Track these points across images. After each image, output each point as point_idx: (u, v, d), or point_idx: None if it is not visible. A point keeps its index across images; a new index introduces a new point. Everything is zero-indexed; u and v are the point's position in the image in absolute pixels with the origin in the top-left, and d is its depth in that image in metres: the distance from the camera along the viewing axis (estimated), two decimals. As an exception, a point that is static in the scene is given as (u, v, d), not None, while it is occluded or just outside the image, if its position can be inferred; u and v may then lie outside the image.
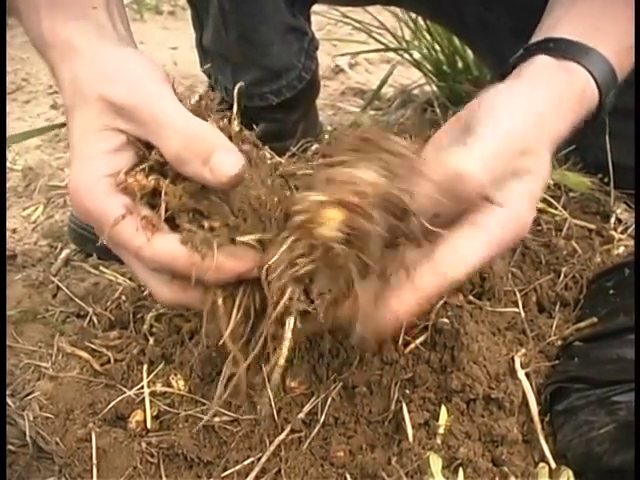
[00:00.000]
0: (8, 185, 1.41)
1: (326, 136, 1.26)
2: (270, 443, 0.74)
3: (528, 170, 0.64)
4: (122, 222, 0.61)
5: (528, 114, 0.65)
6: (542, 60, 0.71)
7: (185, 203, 0.63)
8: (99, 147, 0.64)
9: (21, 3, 0.73)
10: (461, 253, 0.61)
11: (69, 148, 0.67)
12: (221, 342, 0.65)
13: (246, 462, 0.73)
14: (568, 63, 0.71)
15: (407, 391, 0.77)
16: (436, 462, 0.65)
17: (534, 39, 0.75)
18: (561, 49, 0.72)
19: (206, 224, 0.62)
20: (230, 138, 0.65)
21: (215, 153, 0.60)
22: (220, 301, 0.65)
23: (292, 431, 0.75)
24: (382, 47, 1.66)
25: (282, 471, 0.73)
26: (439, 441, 0.72)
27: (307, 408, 0.77)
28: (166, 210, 0.63)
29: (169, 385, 0.81)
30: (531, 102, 0.67)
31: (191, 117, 0.63)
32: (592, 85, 0.71)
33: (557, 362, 0.82)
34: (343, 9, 1.73)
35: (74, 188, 0.64)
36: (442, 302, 0.85)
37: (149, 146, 0.64)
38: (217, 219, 0.63)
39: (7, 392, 0.82)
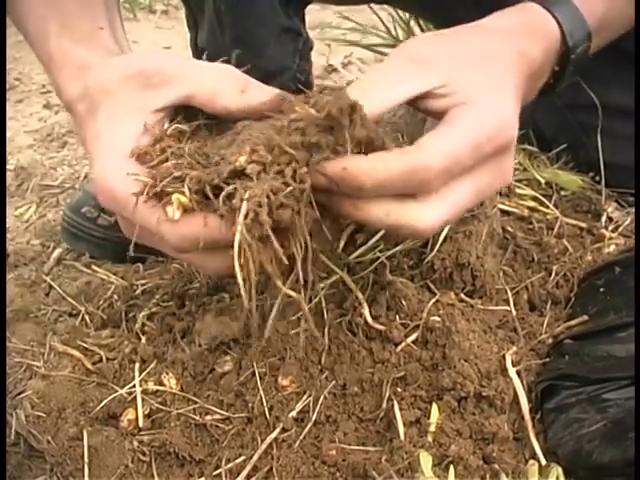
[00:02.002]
0: (0, 184, 1.41)
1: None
2: (262, 441, 0.74)
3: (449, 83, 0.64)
4: (140, 207, 0.60)
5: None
6: (497, 12, 0.73)
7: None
8: (127, 130, 0.64)
9: (30, 24, 0.75)
10: (429, 142, 0.60)
11: (89, 149, 0.67)
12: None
13: (238, 460, 0.73)
14: (521, 5, 0.73)
15: (398, 389, 0.77)
16: (426, 460, 0.66)
17: None
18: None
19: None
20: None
21: (250, 84, 0.65)
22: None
23: (284, 429, 0.75)
24: (375, 45, 1.67)
25: (274, 469, 0.73)
26: (430, 439, 0.72)
27: (299, 406, 0.77)
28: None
29: (161, 384, 0.80)
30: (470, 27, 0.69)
31: (216, 64, 0.67)
32: (545, 16, 0.73)
33: (548, 360, 0.82)
34: (337, 8, 1.73)
35: (101, 175, 0.63)
36: (434, 300, 0.85)
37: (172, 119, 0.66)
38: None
39: (-1, 391, 0.82)
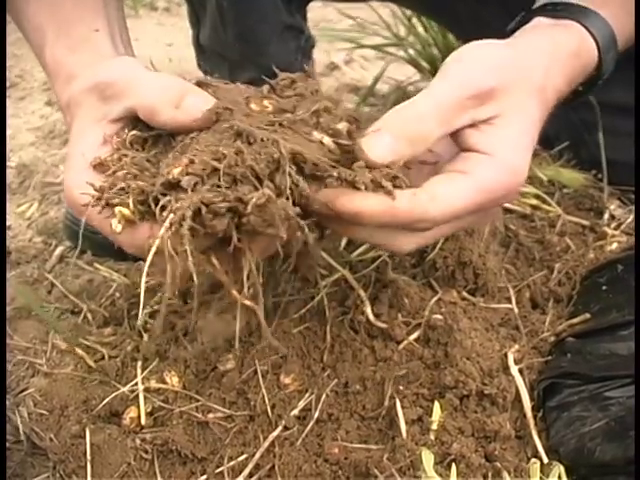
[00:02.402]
0: (2, 182, 1.41)
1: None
2: (264, 439, 0.75)
3: (496, 114, 0.63)
4: (94, 217, 0.62)
5: (495, 58, 0.65)
6: (538, 20, 0.72)
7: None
8: (90, 139, 0.66)
9: (30, 32, 0.77)
10: (442, 196, 0.60)
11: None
12: None
13: (240, 458, 0.73)
14: (565, 21, 0.71)
15: (400, 387, 0.77)
16: (428, 458, 0.66)
17: (535, 5, 0.75)
18: (559, 10, 0.72)
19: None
20: None
21: (186, 97, 0.63)
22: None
23: (286, 428, 0.76)
24: (377, 43, 1.67)
25: (276, 467, 0.73)
26: (432, 437, 0.73)
27: (301, 404, 0.77)
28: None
29: (163, 382, 0.80)
30: (504, 48, 0.66)
31: (162, 75, 0.67)
32: (590, 41, 0.71)
33: (550, 358, 0.82)
34: (339, 5, 1.73)
35: (66, 184, 0.66)
36: (436, 298, 0.85)
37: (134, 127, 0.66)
38: None
39: (1, 389, 0.82)
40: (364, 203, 0.57)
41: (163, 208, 0.55)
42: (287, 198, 0.55)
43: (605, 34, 0.72)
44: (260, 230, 0.54)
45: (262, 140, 0.56)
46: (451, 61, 0.65)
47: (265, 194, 0.53)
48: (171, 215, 0.53)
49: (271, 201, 0.53)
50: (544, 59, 0.67)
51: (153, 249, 0.54)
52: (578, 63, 0.70)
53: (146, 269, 0.54)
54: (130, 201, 0.58)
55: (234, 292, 0.58)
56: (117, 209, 0.59)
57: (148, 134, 0.66)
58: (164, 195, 0.56)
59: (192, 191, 0.54)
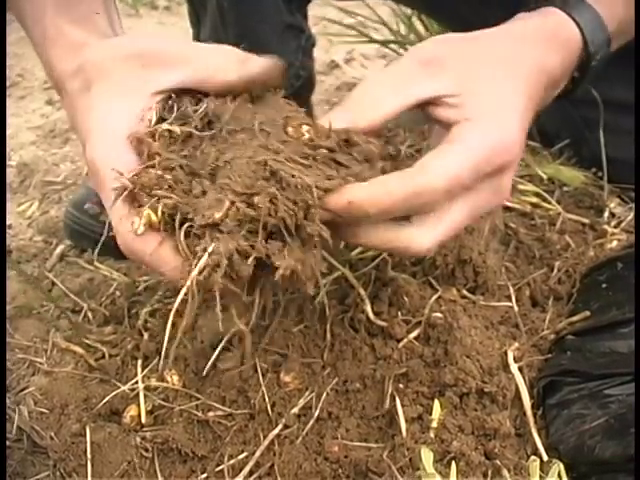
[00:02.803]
0: (2, 181, 1.41)
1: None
2: (264, 438, 0.75)
3: (459, 86, 0.63)
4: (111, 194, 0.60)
5: (449, 36, 0.67)
6: (519, 15, 0.72)
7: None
8: (124, 110, 0.63)
9: (28, 7, 0.73)
10: (432, 164, 0.60)
11: (80, 126, 0.65)
12: None
13: (240, 457, 0.74)
14: (544, 9, 0.72)
15: (400, 385, 0.77)
16: (427, 456, 0.66)
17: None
18: (541, 3, 0.72)
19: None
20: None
21: (251, 56, 0.66)
22: None
23: (286, 426, 0.76)
24: (378, 41, 1.66)
25: (276, 466, 0.73)
26: (432, 435, 0.72)
27: (301, 403, 0.77)
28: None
29: (163, 380, 0.81)
30: (464, 34, 0.68)
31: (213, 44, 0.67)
32: (568, 23, 0.71)
33: (550, 356, 0.82)
34: (339, 3, 1.73)
35: (92, 155, 0.62)
36: (436, 297, 0.85)
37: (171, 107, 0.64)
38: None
39: (2, 387, 0.82)
40: (354, 192, 0.58)
41: (192, 241, 0.56)
42: (315, 246, 0.58)
43: (589, 19, 0.72)
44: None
45: (296, 187, 0.56)
46: None
47: (290, 266, 0.56)
48: (205, 256, 0.54)
49: (297, 270, 0.56)
50: (509, 40, 0.68)
51: (183, 290, 0.54)
52: (556, 41, 0.70)
53: (176, 306, 0.55)
54: (159, 210, 0.57)
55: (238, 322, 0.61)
56: (146, 212, 0.57)
57: (181, 131, 0.63)
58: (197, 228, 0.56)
59: (228, 234, 0.55)
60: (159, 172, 0.59)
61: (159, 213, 0.57)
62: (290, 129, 0.62)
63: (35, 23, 0.72)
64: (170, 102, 0.64)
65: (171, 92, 0.65)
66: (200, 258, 0.54)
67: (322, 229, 0.57)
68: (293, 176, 0.56)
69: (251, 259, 0.55)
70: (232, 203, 0.55)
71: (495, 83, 0.65)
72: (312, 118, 0.64)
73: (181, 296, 0.54)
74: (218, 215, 0.55)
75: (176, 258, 0.57)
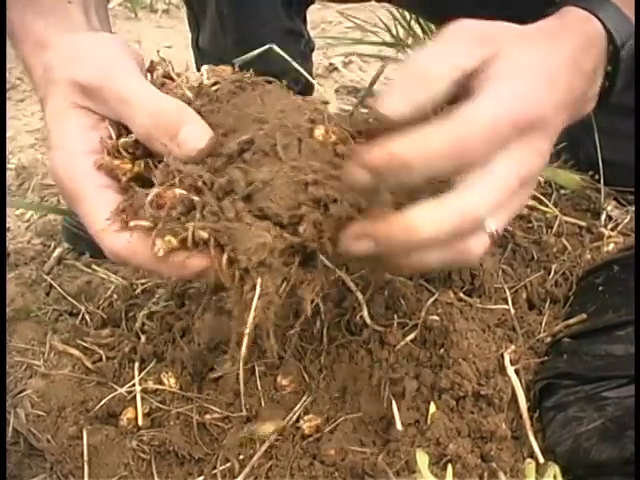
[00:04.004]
0: (1, 184, 1.41)
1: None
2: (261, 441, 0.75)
3: (494, 53, 0.61)
4: (91, 203, 0.60)
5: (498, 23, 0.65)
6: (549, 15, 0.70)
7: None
8: (73, 123, 0.63)
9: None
10: (471, 112, 0.56)
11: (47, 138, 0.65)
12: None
13: (237, 459, 0.74)
14: (563, 11, 0.70)
15: (397, 389, 0.77)
16: (422, 459, 0.66)
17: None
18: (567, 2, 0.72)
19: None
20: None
21: (182, 127, 0.59)
22: None
23: (282, 429, 0.76)
24: (376, 45, 1.67)
25: (273, 468, 0.73)
26: (429, 438, 0.73)
27: (298, 406, 0.77)
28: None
29: (160, 383, 0.81)
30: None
31: (157, 93, 0.62)
32: (592, 21, 0.69)
33: (546, 358, 0.83)
34: (338, 7, 1.73)
35: (53, 166, 0.63)
36: (432, 299, 0.85)
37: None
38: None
39: (-1, 390, 0.83)
40: (395, 145, 0.54)
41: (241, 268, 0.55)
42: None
43: (609, 10, 0.71)
44: None
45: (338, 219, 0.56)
46: None
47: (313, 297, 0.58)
48: (256, 299, 0.55)
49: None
50: (545, 31, 0.66)
51: (249, 328, 0.56)
52: (586, 39, 0.68)
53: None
54: (189, 238, 0.55)
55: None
56: (167, 238, 0.56)
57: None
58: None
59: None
60: (183, 192, 0.56)
61: (182, 237, 0.55)
62: (317, 132, 0.59)
63: (9, 22, 0.71)
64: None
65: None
66: (252, 300, 0.55)
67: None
68: (335, 201, 0.55)
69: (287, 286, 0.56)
70: (275, 237, 0.55)
71: (534, 56, 0.62)
72: (326, 110, 0.62)
73: (249, 330, 0.56)
74: (264, 255, 0.54)
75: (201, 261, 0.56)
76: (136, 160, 0.62)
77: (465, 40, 0.61)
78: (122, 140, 0.62)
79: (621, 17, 0.72)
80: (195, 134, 0.59)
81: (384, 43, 1.67)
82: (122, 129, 0.63)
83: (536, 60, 0.63)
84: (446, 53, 0.60)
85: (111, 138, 0.63)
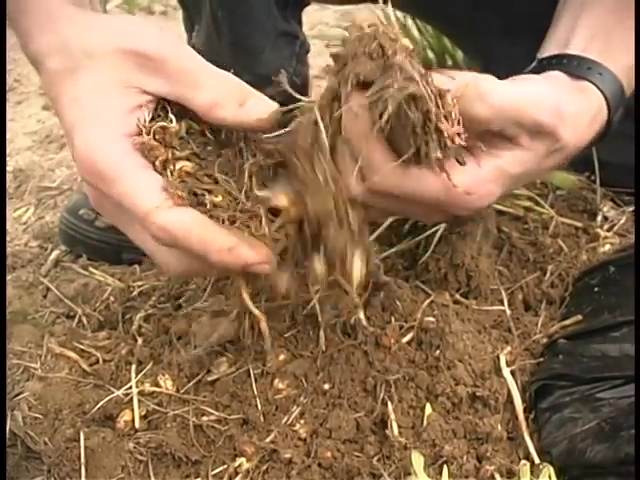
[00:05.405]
0: (-2, 186, 1.41)
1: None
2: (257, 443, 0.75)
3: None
4: (136, 182, 0.59)
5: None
6: (557, 75, 0.72)
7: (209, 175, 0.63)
8: (117, 103, 0.61)
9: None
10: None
11: (66, 114, 0.62)
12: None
13: (234, 461, 0.74)
14: (583, 83, 0.71)
15: (393, 390, 0.77)
16: (418, 460, 0.66)
17: (547, 52, 0.76)
18: (575, 67, 0.72)
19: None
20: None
21: (251, 97, 0.62)
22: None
23: (278, 432, 0.76)
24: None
25: (269, 470, 0.73)
26: (424, 439, 0.73)
27: (294, 408, 0.77)
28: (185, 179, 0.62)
29: (157, 385, 0.81)
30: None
31: (220, 70, 0.64)
32: (604, 106, 0.72)
33: (542, 360, 0.83)
34: (335, 7, 1.73)
35: (86, 145, 0.60)
36: (428, 301, 0.85)
37: (164, 107, 0.64)
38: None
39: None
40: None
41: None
42: None
43: (616, 93, 0.72)
44: None
45: None
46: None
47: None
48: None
49: None
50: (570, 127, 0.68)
51: None
52: (593, 129, 0.72)
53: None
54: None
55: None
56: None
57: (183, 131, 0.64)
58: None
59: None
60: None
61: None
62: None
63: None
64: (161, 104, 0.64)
65: (159, 100, 0.64)
66: None
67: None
68: None
69: None
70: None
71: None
72: None
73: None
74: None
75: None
76: (166, 146, 0.63)
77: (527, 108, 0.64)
78: (159, 124, 0.62)
79: (620, 98, 0.73)
80: (263, 103, 0.63)
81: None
82: (161, 112, 0.64)
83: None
84: (502, 106, 0.63)
85: (146, 122, 0.63)
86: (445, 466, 0.69)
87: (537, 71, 0.73)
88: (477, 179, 0.63)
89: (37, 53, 0.64)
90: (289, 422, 0.76)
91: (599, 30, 0.75)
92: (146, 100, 0.63)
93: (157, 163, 0.62)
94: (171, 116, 0.63)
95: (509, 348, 0.83)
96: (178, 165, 0.62)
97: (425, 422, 0.74)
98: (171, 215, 0.58)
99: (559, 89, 0.69)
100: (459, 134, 0.56)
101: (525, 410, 0.77)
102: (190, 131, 0.65)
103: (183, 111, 0.64)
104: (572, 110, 0.67)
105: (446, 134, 0.56)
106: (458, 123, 0.57)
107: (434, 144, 0.56)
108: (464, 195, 0.62)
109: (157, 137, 0.62)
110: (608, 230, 1.05)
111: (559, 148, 0.68)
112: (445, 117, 0.56)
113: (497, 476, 0.70)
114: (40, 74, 0.65)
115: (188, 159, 0.63)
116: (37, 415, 0.80)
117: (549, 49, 0.76)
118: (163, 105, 0.64)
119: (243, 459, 0.72)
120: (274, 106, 0.62)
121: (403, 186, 0.62)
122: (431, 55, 1.57)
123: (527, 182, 0.71)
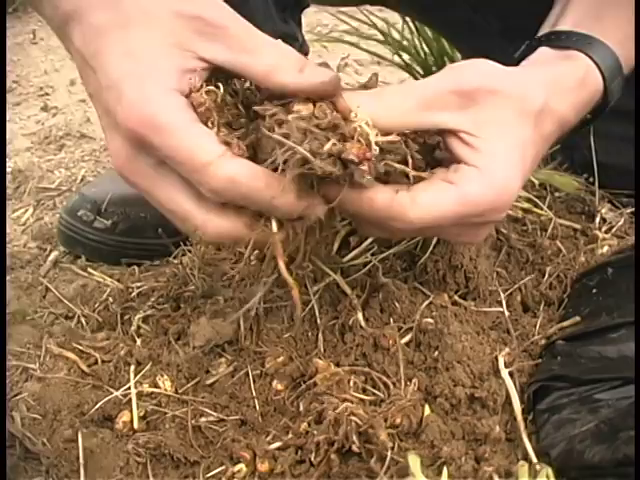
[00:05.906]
0: (-3, 187, 1.41)
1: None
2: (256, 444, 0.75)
3: (481, 124, 0.66)
4: (195, 134, 0.60)
5: (490, 69, 0.69)
6: (543, 51, 0.72)
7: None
8: (175, 62, 0.61)
9: None
10: (423, 202, 0.63)
11: (114, 66, 0.61)
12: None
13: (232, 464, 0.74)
14: (569, 51, 0.72)
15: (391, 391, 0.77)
16: (414, 461, 0.66)
17: (539, 33, 0.76)
18: (563, 40, 0.73)
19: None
20: None
21: (308, 64, 0.64)
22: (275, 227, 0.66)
23: (277, 434, 0.76)
24: (372, 47, 1.67)
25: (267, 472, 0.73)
26: (423, 440, 0.73)
27: (292, 409, 0.78)
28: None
29: (156, 386, 0.81)
30: (504, 68, 0.69)
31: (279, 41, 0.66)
32: (595, 71, 0.72)
33: (540, 361, 0.83)
34: (333, 9, 1.74)
35: (141, 96, 0.60)
36: (427, 302, 0.86)
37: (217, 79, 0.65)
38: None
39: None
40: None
41: None
42: None
43: (610, 63, 0.73)
44: None
45: None
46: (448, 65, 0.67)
47: None
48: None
49: None
50: (543, 90, 0.69)
51: None
52: (584, 93, 0.72)
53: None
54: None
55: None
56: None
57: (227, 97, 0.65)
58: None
59: None
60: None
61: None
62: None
63: None
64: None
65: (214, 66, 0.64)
66: None
67: None
68: None
69: None
70: None
71: (511, 131, 0.67)
72: None
73: None
74: None
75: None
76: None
77: (445, 87, 0.66)
78: (209, 87, 0.63)
79: (618, 71, 0.74)
80: (321, 69, 0.64)
81: (380, 44, 1.67)
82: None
83: (515, 142, 0.67)
84: (422, 94, 0.65)
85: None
86: (444, 467, 0.69)
87: (526, 53, 0.74)
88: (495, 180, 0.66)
89: (75, 8, 0.63)
90: (287, 423, 0.76)
91: (590, 8, 0.76)
92: (200, 66, 0.63)
93: (209, 124, 0.62)
94: (218, 84, 0.65)
95: (507, 349, 0.83)
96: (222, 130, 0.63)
97: (423, 423, 0.74)
98: (236, 163, 0.60)
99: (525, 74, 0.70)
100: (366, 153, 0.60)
101: (524, 411, 0.77)
102: (226, 101, 0.66)
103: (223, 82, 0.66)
104: (550, 76, 0.69)
105: (357, 160, 0.59)
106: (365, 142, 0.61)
107: (357, 172, 0.60)
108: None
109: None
110: (606, 232, 1.05)
111: (542, 110, 0.68)
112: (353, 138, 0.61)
113: (496, 477, 0.69)
114: (72, 32, 0.64)
115: (228, 126, 0.64)
116: (36, 416, 0.80)
117: (541, 30, 0.77)
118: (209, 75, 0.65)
119: (242, 465, 0.72)
120: (332, 72, 0.63)
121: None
122: (430, 58, 1.58)
123: (539, 158, 0.73)
